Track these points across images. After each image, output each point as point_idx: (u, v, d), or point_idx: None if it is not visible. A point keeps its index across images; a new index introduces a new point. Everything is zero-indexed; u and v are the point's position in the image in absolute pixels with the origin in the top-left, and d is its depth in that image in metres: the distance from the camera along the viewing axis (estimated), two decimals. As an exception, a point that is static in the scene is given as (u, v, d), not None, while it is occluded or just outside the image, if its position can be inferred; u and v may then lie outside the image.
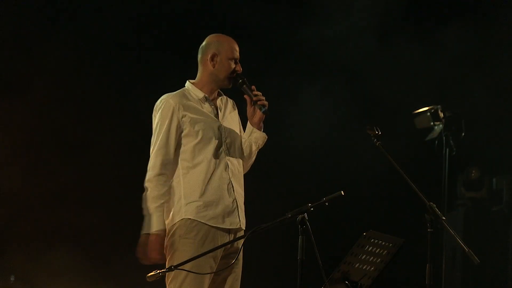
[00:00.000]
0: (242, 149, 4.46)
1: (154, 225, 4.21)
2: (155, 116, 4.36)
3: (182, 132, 4.29)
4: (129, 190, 6.97)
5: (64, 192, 6.98)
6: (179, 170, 4.30)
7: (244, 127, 4.53)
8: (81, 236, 6.98)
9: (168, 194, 4.27)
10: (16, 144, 6.90)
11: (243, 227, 4.36)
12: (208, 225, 4.23)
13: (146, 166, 4.34)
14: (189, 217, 4.23)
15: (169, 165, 4.28)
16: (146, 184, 4.27)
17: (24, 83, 6.95)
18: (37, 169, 6.95)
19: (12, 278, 6.69)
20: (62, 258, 6.81)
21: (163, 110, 4.31)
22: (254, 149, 4.49)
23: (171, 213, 4.28)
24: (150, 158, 4.31)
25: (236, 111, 4.55)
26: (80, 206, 7.02)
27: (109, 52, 7.22)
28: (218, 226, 4.25)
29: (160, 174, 4.25)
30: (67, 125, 7.06)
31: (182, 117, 4.29)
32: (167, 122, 4.28)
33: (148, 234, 4.21)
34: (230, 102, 4.53)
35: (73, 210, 7.00)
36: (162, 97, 4.37)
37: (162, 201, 4.24)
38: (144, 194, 4.27)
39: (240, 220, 4.32)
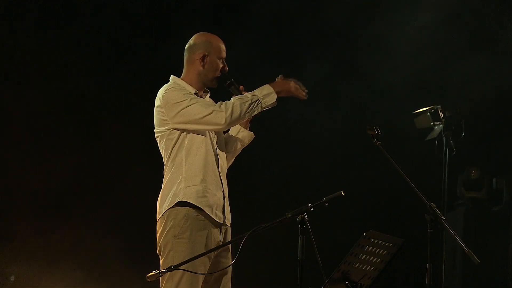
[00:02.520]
0: (224, 146, 4.48)
1: (265, 88, 4.28)
2: (168, 96, 4.26)
3: None
4: (128, 192, 7.04)
5: (65, 192, 6.98)
6: (183, 152, 4.28)
7: None
8: (81, 236, 6.97)
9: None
10: (16, 140, 6.92)
11: (228, 224, 4.37)
12: (204, 212, 4.22)
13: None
14: (187, 200, 4.20)
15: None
16: (226, 112, 4.20)
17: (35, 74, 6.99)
18: (37, 169, 6.95)
19: (12, 278, 6.69)
20: (63, 258, 6.82)
21: (176, 87, 4.30)
22: (239, 148, 4.52)
23: (170, 195, 4.26)
24: (190, 113, 4.21)
25: None
26: (80, 206, 7.02)
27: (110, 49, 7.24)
28: (211, 216, 4.25)
29: (216, 105, 4.24)
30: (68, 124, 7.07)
31: None
32: (186, 92, 4.27)
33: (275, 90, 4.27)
34: (211, 101, 4.54)
35: (73, 211, 7.00)
36: (164, 86, 4.34)
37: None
38: (237, 110, 4.22)
39: (225, 216, 4.33)
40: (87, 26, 7.14)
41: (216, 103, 4.45)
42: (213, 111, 4.21)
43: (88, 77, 7.17)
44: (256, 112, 4.30)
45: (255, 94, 4.27)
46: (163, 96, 4.29)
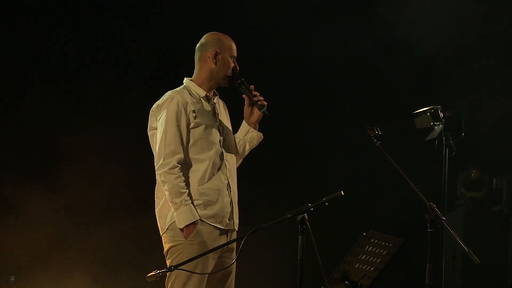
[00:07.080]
0: (235, 148, 4.47)
1: (194, 215, 4.17)
2: (159, 113, 4.27)
3: (190, 128, 4.26)
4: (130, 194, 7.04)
5: (63, 192, 6.98)
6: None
7: (238, 126, 4.53)
8: (81, 237, 6.97)
9: (186, 184, 4.22)
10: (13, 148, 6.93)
11: (236, 228, 4.38)
12: (208, 223, 4.22)
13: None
14: None
15: (181, 159, 4.21)
16: (163, 178, 4.17)
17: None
18: (37, 170, 6.96)
19: (12, 278, 6.68)
20: (62, 259, 6.82)
21: (170, 106, 4.24)
22: (247, 149, 4.50)
23: (171, 210, 4.24)
24: (158, 153, 4.21)
25: (227, 111, 4.54)
26: (79, 205, 7.01)
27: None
28: (216, 225, 4.25)
29: (175, 167, 4.17)
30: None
31: (189, 113, 4.26)
32: (176, 118, 4.23)
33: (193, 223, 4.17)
34: (221, 102, 4.53)
35: (72, 210, 7.00)
36: (167, 94, 4.32)
37: (186, 191, 4.18)
38: (166, 188, 4.18)
39: (234, 221, 4.34)
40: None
41: (224, 104, 4.49)
42: (165, 163, 4.17)
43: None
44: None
45: (178, 208, 4.16)
46: (157, 110, 4.29)
